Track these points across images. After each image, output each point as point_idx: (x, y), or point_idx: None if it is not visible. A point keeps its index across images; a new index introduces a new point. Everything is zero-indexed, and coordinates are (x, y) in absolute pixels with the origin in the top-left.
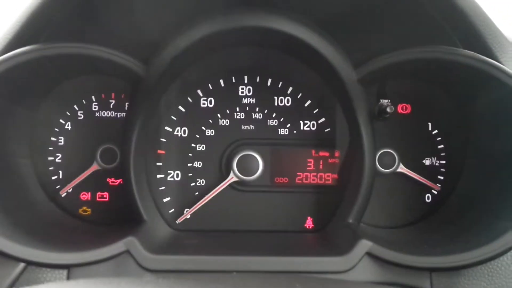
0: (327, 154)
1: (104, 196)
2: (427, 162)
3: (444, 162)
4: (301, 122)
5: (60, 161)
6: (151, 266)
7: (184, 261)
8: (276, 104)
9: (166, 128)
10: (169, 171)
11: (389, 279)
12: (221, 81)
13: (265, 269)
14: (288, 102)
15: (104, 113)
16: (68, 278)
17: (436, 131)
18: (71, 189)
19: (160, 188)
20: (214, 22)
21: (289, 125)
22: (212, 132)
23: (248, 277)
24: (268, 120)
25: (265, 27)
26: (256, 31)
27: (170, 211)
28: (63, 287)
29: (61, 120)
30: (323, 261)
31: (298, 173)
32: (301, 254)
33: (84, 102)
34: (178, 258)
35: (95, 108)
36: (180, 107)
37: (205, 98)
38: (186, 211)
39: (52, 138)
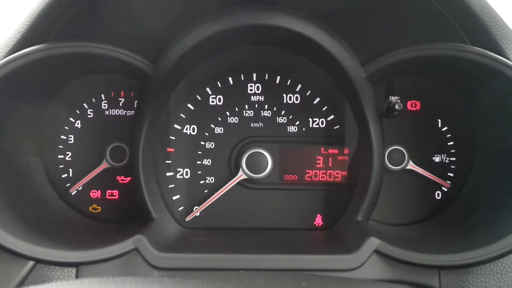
0: (336, 151)
1: (114, 194)
2: (436, 159)
3: (454, 159)
4: (310, 119)
5: (70, 159)
6: (159, 264)
7: (192, 259)
8: (285, 101)
9: (175, 126)
10: (178, 169)
11: (398, 277)
12: (230, 78)
13: (273, 267)
14: (297, 100)
15: (113, 112)
16: (77, 276)
17: (445, 127)
18: (81, 187)
19: (169, 186)
20: (220, 21)
21: (298, 122)
22: (221, 130)
23: (255, 276)
24: (277, 118)
25: (272, 25)
26: (263, 30)
27: (179, 209)
28: (69, 286)
29: (70, 119)
30: (331, 259)
31: (307, 171)
32: (309, 252)
33: (94, 101)
34: (186, 256)
35: (104, 106)
36: (189, 105)
37: (214, 96)
38: (195, 208)
39: (62, 137)
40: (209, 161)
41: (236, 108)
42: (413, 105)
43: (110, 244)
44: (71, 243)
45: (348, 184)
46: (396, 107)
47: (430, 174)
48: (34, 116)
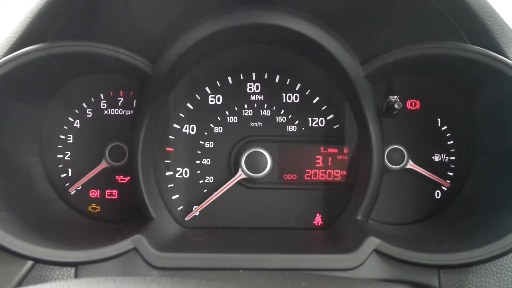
0: (335, 150)
1: (113, 193)
2: (436, 158)
3: (453, 158)
4: (310, 118)
5: (69, 159)
6: (158, 263)
7: (191, 259)
8: (284, 101)
9: (175, 125)
10: (177, 169)
11: (397, 276)
12: (229, 78)
13: (273, 267)
14: (296, 99)
15: (112, 111)
16: (76, 275)
17: (445, 127)
18: (80, 186)
19: (169, 186)
20: (220, 20)
21: (297, 122)
22: (220, 129)
23: (254, 275)
24: (277, 117)
25: (272, 24)
26: (263, 29)
27: (178, 209)
28: (67, 286)
29: (69, 118)
30: (331, 259)
31: (307, 170)
32: (308, 251)
33: (93, 100)
34: (185, 256)
35: (103, 106)
36: (188, 104)
37: (213, 95)
38: (195, 208)
39: (61, 136)
40: (208, 161)
41: (236, 108)
42: (413, 104)
43: (109, 244)
44: (70, 242)
45: (348, 184)
46: (396, 106)
47: (430, 173)
48: (33, 116)
